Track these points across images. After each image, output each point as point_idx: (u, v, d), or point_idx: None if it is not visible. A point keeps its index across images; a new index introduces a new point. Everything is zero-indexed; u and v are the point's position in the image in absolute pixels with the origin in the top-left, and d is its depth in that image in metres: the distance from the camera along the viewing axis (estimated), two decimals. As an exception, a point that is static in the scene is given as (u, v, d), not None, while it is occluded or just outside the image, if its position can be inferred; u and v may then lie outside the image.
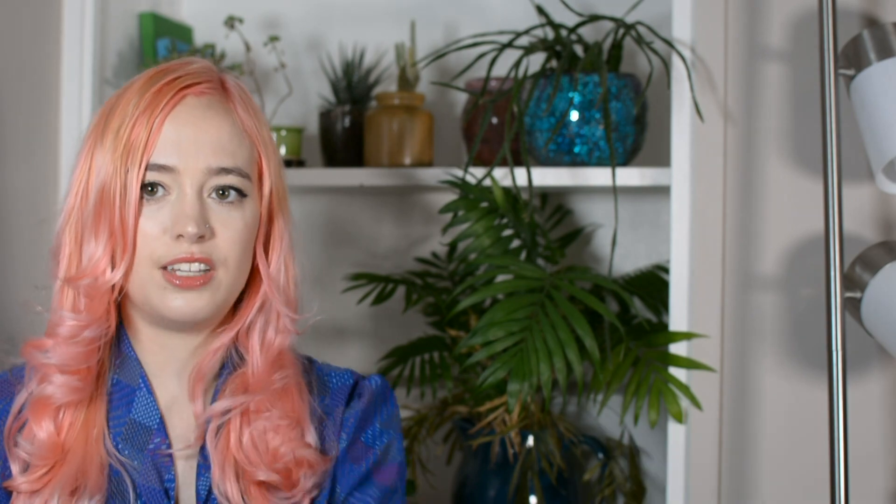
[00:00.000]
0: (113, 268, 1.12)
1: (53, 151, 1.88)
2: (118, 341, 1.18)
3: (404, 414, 1.98)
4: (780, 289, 1.69)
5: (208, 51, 2.01)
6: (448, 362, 1.87)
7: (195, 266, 1.12)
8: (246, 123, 1.17)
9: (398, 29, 2.05)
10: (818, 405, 1.63)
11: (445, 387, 1.88)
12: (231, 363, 1.19)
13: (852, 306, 1.56)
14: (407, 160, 1.93)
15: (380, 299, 1.94)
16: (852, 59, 1.55)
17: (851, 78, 1.55)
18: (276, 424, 1.17)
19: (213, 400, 1.17)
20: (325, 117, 2.03)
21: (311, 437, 1.19)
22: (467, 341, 1.64)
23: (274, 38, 2.03)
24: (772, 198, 1.70)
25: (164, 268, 1.12)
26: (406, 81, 1.97)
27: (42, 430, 1.13)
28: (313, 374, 1.24)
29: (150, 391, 1.17)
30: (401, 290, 2.00)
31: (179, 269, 1.12)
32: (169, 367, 1.18)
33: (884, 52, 1.53)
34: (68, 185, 1.18)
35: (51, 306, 1.17)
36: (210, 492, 1.16)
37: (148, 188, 1.12)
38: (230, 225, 1.14)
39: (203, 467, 1.16)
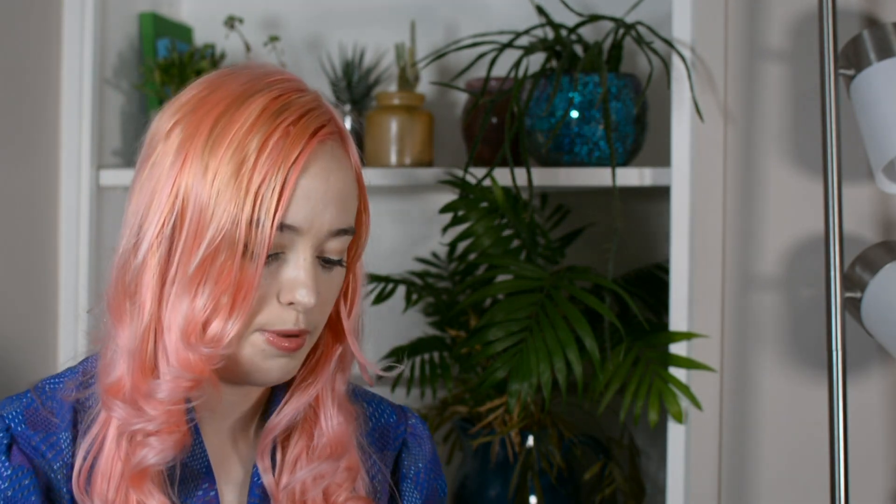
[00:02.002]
0: (223, 326, 0.97)
1: (53, 151, 1.88)
2: None
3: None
4: (780, 289, 1.69)
5: (208, 51, 2.01)
6: (448, 362, 1.87)
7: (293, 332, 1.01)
8: (357, 165, 1.04)
9: (398, 29, 2.05)
10: (818, 405, 1.63)
11: (445, 387, 1.87)
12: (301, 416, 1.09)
13: (852, 306, 1.56)
14: (407, 160, 1.93)
15: (380, 299, 1.94)
16: (852, 59, 1.55)
17: (851, 78, 1.55)
18: (339, 481, 1.08)
19: (273, 447, 1.08)
20: (325, 117, 2.03)
21: (365, 484, 1.10)
22: (467, 341, 1.63)
23: (274, 38, 2.03)
24: (772, 198, 1.70)
25: (268, 332, 1.00)
26: (406, 81, 1.97)
27: (152, 499, 0.99)
28: (356, 404, 1.14)
29: (199, 432, 1.04)
30: (401, 290, 2.00)
31: (286, 336, 1.00)
32: (222, 415, 1.07)
33: (884, 52, 1.53)
34: (137, 208, 1.00)
35: (125, 352, 1.00)
36: None
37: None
38: (330, 289, 1.03)
39: None
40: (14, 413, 1.02)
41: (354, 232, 1.04)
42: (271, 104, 0.99)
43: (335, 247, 1.01)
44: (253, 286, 0.97)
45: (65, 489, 1.01)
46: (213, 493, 1.05)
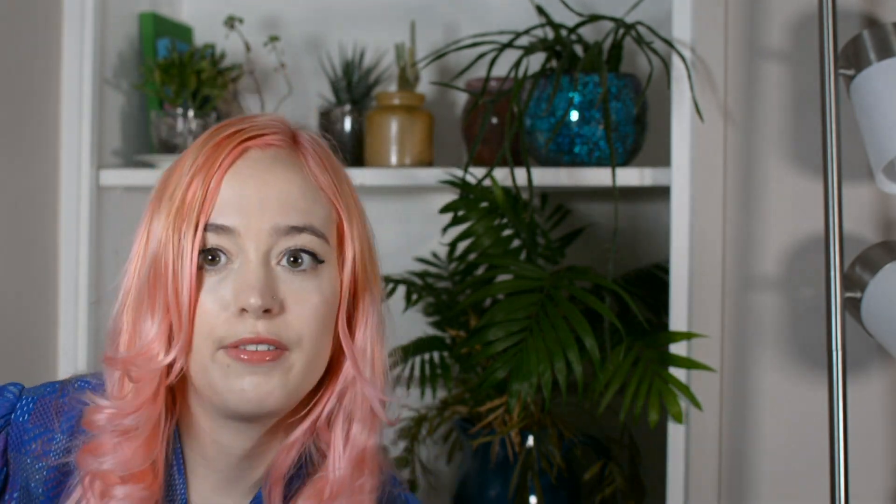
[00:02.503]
0: (168, 349, 0.95)
1: (53, 151, 1.88)
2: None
3: (404, 414, 1.99)
4: (780, 289, 1.69)
5: (208, 51, 2.01)
6: (448, 362, 1.87)
7: (262, 347, 0.95)
8: (321, 179, 1.01)
9: (398, 29, 2.05)
10: (818, 405, 1.63)
11: (445, 387, 1.87)
12: (307, 462, 1.03)
13: (852, 306, 1.56)
14: (407, 160, 1.93)
15: (380, 299, 1.94)
16: (852, 59, 1.55)
17: (851, 78, 1.55)
18: None
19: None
20: (325, 117, 2.03)
21: None
22: (467, 341, 1.63)
23: (274, 38, 2.03)
24: (772, 198, 1.70)
25: (230, 347, 0.95)
26: (406, 81, 1.97)
27: None
28: (385, 496, 1.08)
29: (184, 477, 1.01)
30: (401, 290, 2.00)
31: (245, 351, 0.95)
32: (215, 465, 1.02)
33: (884, 52, 1.53)
34: (126, 262, 1.01)
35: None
36: None
37: (208, 256, 0.96)
38: (304, 298, 0.97)
39: None
40: (28, 399, 1.03)
41: (323, 236, 0.99)
42: (218, 129, 1.00)
43: (292, 245, 0.97)
44: (186, 297, 0.94)
45: (40, 490, 1.00)
46: None
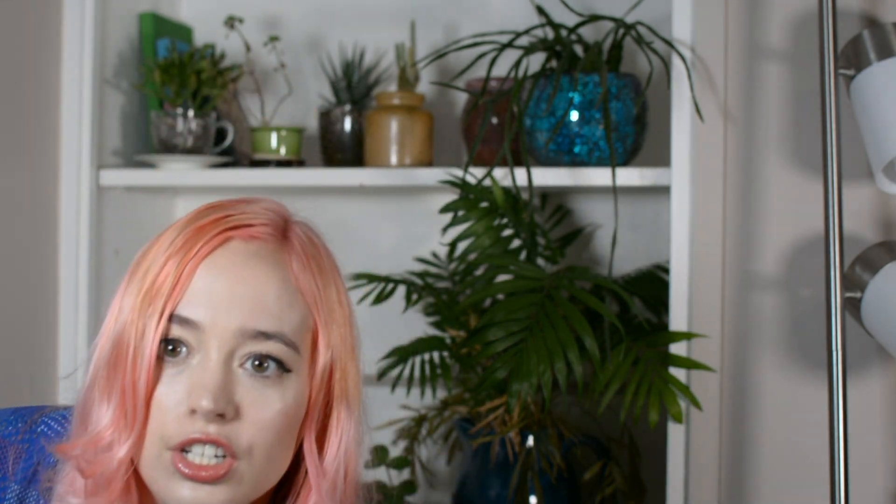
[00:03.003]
0: (121, 440, 0.90)
1: (53, 151, 1.88)
2: None
3: (404, 414, 1.99)
4: (780, 289, 1.69)
5: (208, 51, 2.01)
6: (448, 362, 1.87)
7: (209, 450, 0.89)
8: (301, 281, 0.94)
9: (398, 29, 2.05)
10: (818, 405, 1.63)
11: (445, 387, 1.87)
12: None
13: (852, 306, 1.56)
14: (407, 160, 1.93)
15: (380, 299, 1.94)
16: (852, 59, 1.55)
17: (851, 78, 1.55)
18: None
19: None
20: (325, 117, 2.03)
21: None
22: (467, 341, 1.63)
23: (274, 38, 2.03)
24: (772, 198, 1.70)
25: (176, 450, 0.90)
26: (406, 81, 1.97)
27: None
28: None
29: None
30: (401, 290, 2.00)
31: (191, 453, 0.90)
32: None
33: (884, 52, 1.53)
34: (98, 337, 0.96)
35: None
36: None
37: (168, 346, 0.91)
38: (262, 406, 0.90)
39: None
40: None
41: (294, 346, 0.93)
42: (204, 210, 0.95)
43: (258, 351, 0.91)
44: (142, 387, 0.89)
45: None
46: None
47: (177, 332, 0.90)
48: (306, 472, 0.96)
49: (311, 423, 0.95)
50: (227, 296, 0.91)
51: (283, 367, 0.92)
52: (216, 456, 0.89)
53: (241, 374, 0.91)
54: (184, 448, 0.89)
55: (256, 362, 0.91)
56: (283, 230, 0.96)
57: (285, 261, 0.94)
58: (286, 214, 0.98)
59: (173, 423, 0.89)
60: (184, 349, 0.91)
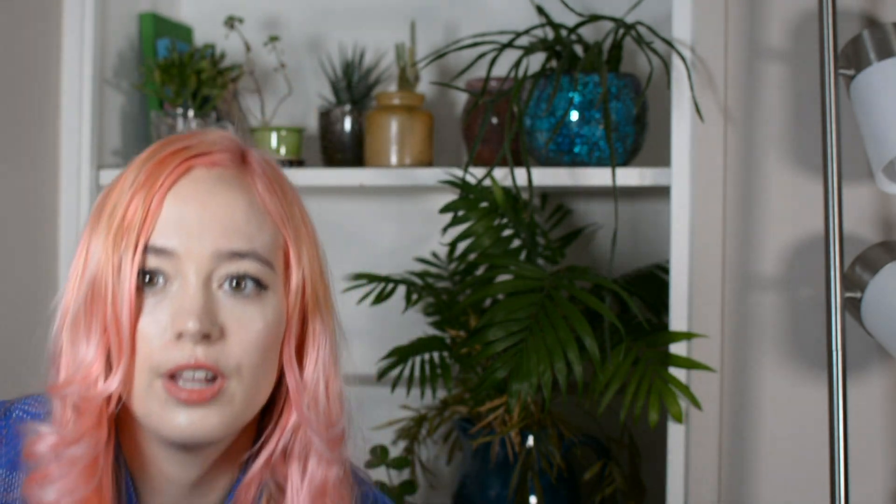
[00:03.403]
0: (107, 375, 0.92)
1: (53, 152, 1.88)
2: (115, 456, 0.97)
3: (404, 414, 1.99)
4: (780, 289, 1.69)
5: (208, 51, 2.01)
6: (448, 362, 1.87)
7: (199, 374, 0.91)
8: (268, 202, 0.97)
9: (398, 29, 2.05)
10: (818, 405, 1.63)
11: (445, 387, 1.88)
12: (270, 495, 1.00)
13: (852, 306, 1.56)
14: (407, 160, 1.93)
15: (380, 299, 1.94)
16: (852, 59, 1.55)
17: (851, 78, 1.55)
18: None
19: None
20: (325, 117, 2.03)
21: None
22: (467, 341, 1.63)
23: (274, 38, 2.03)
24: (772, 198, 1.70)
25: (166, 377, 0.92)
26: (406, 81, 1.97)
27: None
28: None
29: None
30: (401, 290, 2.00)
31: (181, 379, 0.92)
32: (163, 494, 0.98)
33: (884, 52, 1.53)
34: (67, 280, 0.98)
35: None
36: None
37: (146, 277, 0.93)
38: (246, 324, 0.93)
39: None
40: None
41: (268, 262, 0.95)
42: (162, 145, 0.97)
43: (237, 272, 0.94)
44: (125, 319, 0.91)
45: None
46: None
47: (153, 262, 0.92)
48: (287, 394, 0.98)
49: (290, 340, 0.97)
50: (197, 221, 0.93)
51: (260, 285, 0.94)
52: (206, 379, 0.91)
53: (221, 295, 0.93)
54: (173, 376, 0.91)
55: (234, 282, 0.94)
56: (242, 155, 0.99)
57: (249, 184, 0.97)
58: (240, 142, 1.00)
59: (160, 350, 0.91)
60: (161, 279, 0.93)
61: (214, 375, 0.92)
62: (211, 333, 0.91)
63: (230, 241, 0.94)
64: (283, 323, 0.97)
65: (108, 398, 0.93)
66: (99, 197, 0.98)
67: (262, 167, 0.99)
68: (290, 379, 0.97)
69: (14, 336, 1.81)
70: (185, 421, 0.91)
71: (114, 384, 0.92)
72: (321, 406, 0.98)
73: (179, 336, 0.91)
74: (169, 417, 0.92)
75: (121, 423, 0.97)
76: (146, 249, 0.93)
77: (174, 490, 0.99)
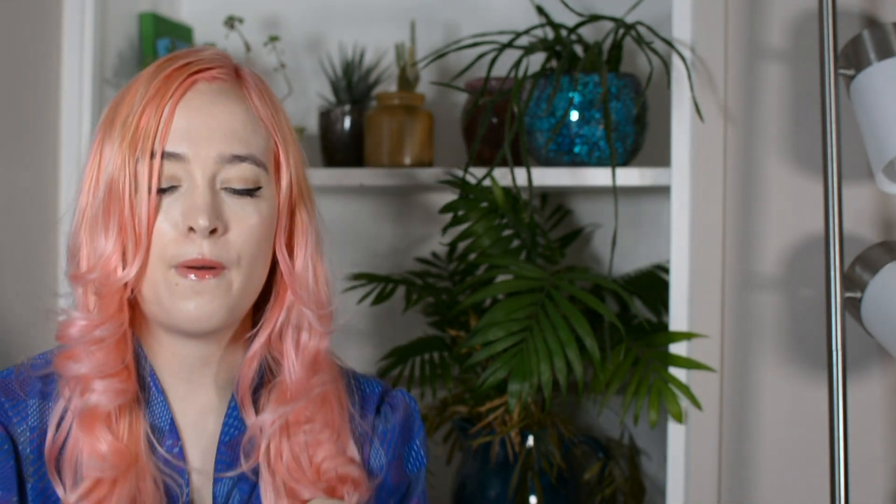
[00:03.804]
0: (125, 265, 1.06)
1: (53, 151, 1.88)
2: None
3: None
4: (780, 289, 1.69)
5: (208, 51, 2.01)
6: (448, 362, 1.87)
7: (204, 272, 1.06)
8: (261, 111, 1.11)
9: (398, 29, 2.05)
10: (818, 405, 1.63)
11: (445, 387, 1.88)
12: (267, 371, 1.14)
13: (852, 306, 1.57)
14: (407, 160, 1.93)
15: (380, 299, 1.94)
16: (852, 59, 1.55)
17: (851, 78, 1.55)
18: (317, 438, 1.12)
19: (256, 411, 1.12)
20: (325, 117, 2.03)
21: (352, 450, 1.14)
22: (467, 341, 1.64)
23: (274, 38, 2.03)
24: (772, 198, 1.70)
25: (177, 268, 1.06)
26: (406, 81, 1.97)
27: (101, 441, 1.05)
28: (350, 380, 1.20)
29: (161, 391, 1.11)
30: (401, 290, 2.00)
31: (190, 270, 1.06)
32: (181, 374, 1.12)
33: (884, 52, 1.53)
34: (80, 183, 1.12)
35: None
36: (227, 501, 1.11)
37: (160, 181, 1.06)
38: (244, 219, 1.07)
39: (224, 466, 1.12)
40: None
41: (262, 164, 1.09)
42: (165, 62, 1.09)
43: (237, 174, 1.07)
44: (144, 217, 1.04)
45: (28, 450, 1.08)
46: (177, 450, 1.10)
47: (168, 168, 1.05)
48: (278, 285, 1.13)
49: (281, 232, 1.12)
50: (204, 129, 1.06)
51: (255, 184, 1.08)
52: (210, 269, 1.05)
53: (223, 194, 1.07)
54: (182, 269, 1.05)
55: (236, 189, 1.07)
56: (236, 70, 1.12)
57: (245, 95, 1.11)
58: (233, 59, 1.13)
59: (172, 244, 1.05)
60: (172, 182, 1.06)
61: (221, 268, 1.06)
62: (217, 228, 1.05)
63: (231, 146, 1.07)
64: (275, 217, 1.11)
65: (125, 287, 1.06)
66: (107, 109, 1.11)
67: (254, 80, 1.12)
68: (283, 265, 1.11)
69: (15, 337, 1.81)
70: (192, 306, 1.05)
71: (132, 272, 1.05)
72: (311, 288, 1.12)
73: (190, 231, 1.05)
74: (178, 304, 1.05)
75: (134, 317, 1.10)
76: (162, 155, 1.05)
77: (187, 370, 1.12)
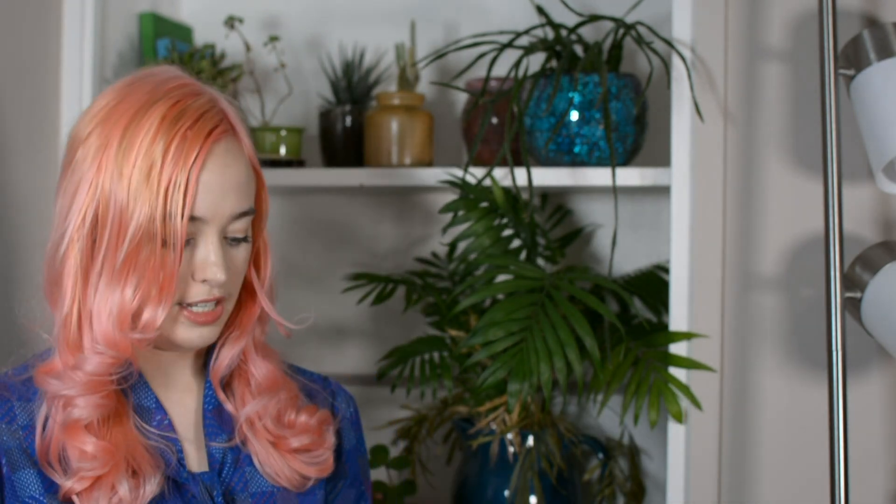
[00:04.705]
0: (143, 311, 1.14)
1: (53, 152, 1.88)
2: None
3: (404, 414, 1.99)
4: (780, 289, 1.69)
5: (208, 51, 2.01)
6: (448, 362, 1.87)
7: (210, 305, 1.18)
8: (251, 155, 1.20)
9: (398, 29, 2.05)
10: (818, 405, 1.63)
11: (445, 387, 1.88)
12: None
13: (852, 306, 1.56)
14: (407, 160, 1.93)
15: (380, 299, 1.94)
16: (852, 59, 1.55)
17: (851, 78, 1.55)
18: (284, 401, 1.26)
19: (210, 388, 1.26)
20: (325, 117, 2.03)
21: (310, 402, 1.30)
22: (467, 341, 1.64)
23: (274, 38, 2.03)
24: (772, 198, 1.70)
25: (185, 305, 1.17)
26: (406, 81, 1.97)
27: (86, 444, 1.14)
28: (289, 366, 1.34)
29: (142, 376, 1.21)
30: (401, 290, 2.00)
31: (196, 307, 1.17)
32: (160, 368, 1.24)
33: (884, 52, 1.53)
34: (61, 207, 1.17)
35: (55, 334, 1.18)
36: (222, 461, 1.23)
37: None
38: (237, 262, 1.19)
39: (214, 434, 1.24)
40: None
41: (255, 212, 1.19)
42: (170, 112, 1.14)
43: (239, 227, 1.18)
44: (174, 273, 1.13)
45: (20, 445, 1.16)
46: (166, 422, 1.21)
47: (189, 228, 1.14)
48: (247, 299, 1.25)
49: (253, 253, 1.23)
50: (219, 191, 1.15)
51: (248, 232, 1.20)
52: (213, 306, 1.18)
53: (225, 245, 1.18)
54: (189, 304, 1.17)
55: (235, 239, 1.18)
56: (227, 117, 1.18)
57: (241, 145, 1.19)
58: (217, 98, 1.19)
59: (189, 290, 1.16)
60: (191, 237, 1.15)
61: (217, 303, 1.18)
62: (227, 277, 1.16)
63: (240, 204, 1.17)
64: (252, 249, 1.22)
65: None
66: (99, 133, 1.16)
67: (238, 122, 1.19)
68: (257, 286, 1.24)
69: (16, 340, 1.80)
70: (196, 335, 1.18)
71: (159, 320, 1.14)
72: (268, 289, 1.25)
73: (204, 281, 1.16)
74: (185, 334, 1.17)
75: None
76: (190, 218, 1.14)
77: (167, 364, 1.24)
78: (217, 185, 1.15)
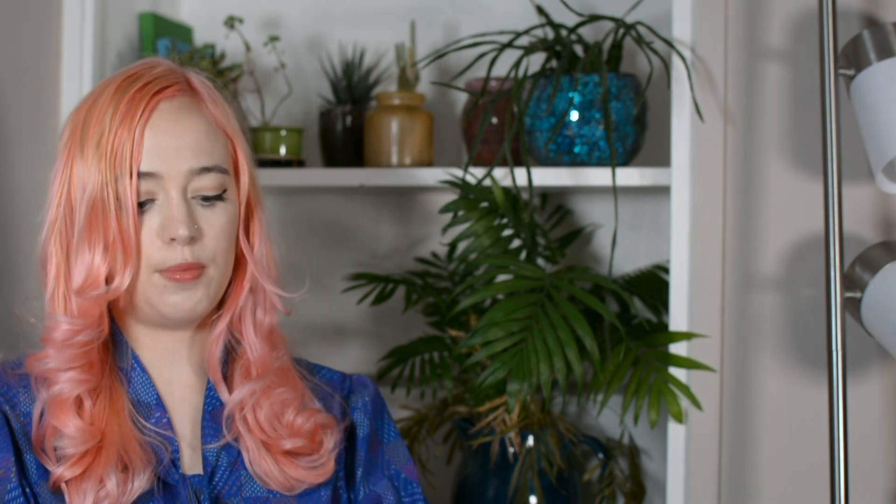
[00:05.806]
0: (114, 275, 1.17)
1: (53, 151, 1.87)
2: (111, 334, 1.22)
3: (404, 414, 1.99)
4: (780, 289, 1.69)
5: (208, 51, 2.01)
6: (448, 362, 1.87)
7: (187, 273, 1.17)
8: (218, 119, 1.22)
9: (398, 29, 2.05)
10: (818, 405, 1.63)
11: (445, 387, 1.88)
12: (231, 349, 1.26)
13: (852, 306, 1.57)
14: (407, 160, 1.93)
15: (380, 299, 1.94)
16: (852, 59, 1.55)
17: (851, 78, 1.56)
18: (285, 400, 1.25)
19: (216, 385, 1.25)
20: (325, 117, 2.03)
21: (318, 404, 1.28)
22: (467, 341, 1.64)
23: (274, 38, 2.03)
24: (772, 198, 1.70)
25: (162, 271, 1.17)
26: (406, 81, 1.97)
27: (68, 424, 1.16)
28: (305, 365, 1.33)
29: (145, 371, 1.22)
30: (401, 290, 2.00)
31: (173, 271, 1.17)
32: (162, 359, 1.24)
33: (884, 52, 1.53)
34: (48, 197, 1.21)
35: (44, 314, 1.21)
36: (216, 465, 1.23)
37: (140, 197, 1.16)
38: (214, 223, 1.19)
39: (211, 437, 1.23)
40: None
41: (226, 171, 1.20)
42: (123, 82, 1.18)
43: (205, 184, 1.18)
44: (133, 233, 1.15)
45: (24, 427, 1.18)
46: (165, 420, 1.21)
47: (144, 184, 1.16)
48: (237, 272, 1.24)
49: (241, 224, 1.23)
50: (172, 147, 1.16)
51: (222, 190, 1.19)
52: (192, 270, 1.17)
53: (195, 203, 1.18)
54: (166, 271, 1.16)
55: (206, 197, 1.18)
56: (188, 82, 1.22)
57: (201, 106, 1.21)
58: (180, 69, 1.22)
59: (156, 253, 1.16)
60: (149, 197, 1.16)
61: (198, 268, 1.17)
62: (195, 236, 1.16)
63: (199, 160, 1.18)
64: (238, 214, 1.22)
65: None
66: (69, 126, 1.20)
67: (206, 89, 1.22)
68: (247, 253, 1.23)
69: (17, 338, 1.80)
70: (178, 298, 1.18)
71: (125, 282, 1.15)
72: (268, 269, 1.25)
73: (171, 240, 1.16)
74: (165, 298, 1.18)
75: (115, 313, 1.22)
76: (138, 175, 1.15)
77: (168, 353, 1.24)
78: (168, 140, 1.16)
